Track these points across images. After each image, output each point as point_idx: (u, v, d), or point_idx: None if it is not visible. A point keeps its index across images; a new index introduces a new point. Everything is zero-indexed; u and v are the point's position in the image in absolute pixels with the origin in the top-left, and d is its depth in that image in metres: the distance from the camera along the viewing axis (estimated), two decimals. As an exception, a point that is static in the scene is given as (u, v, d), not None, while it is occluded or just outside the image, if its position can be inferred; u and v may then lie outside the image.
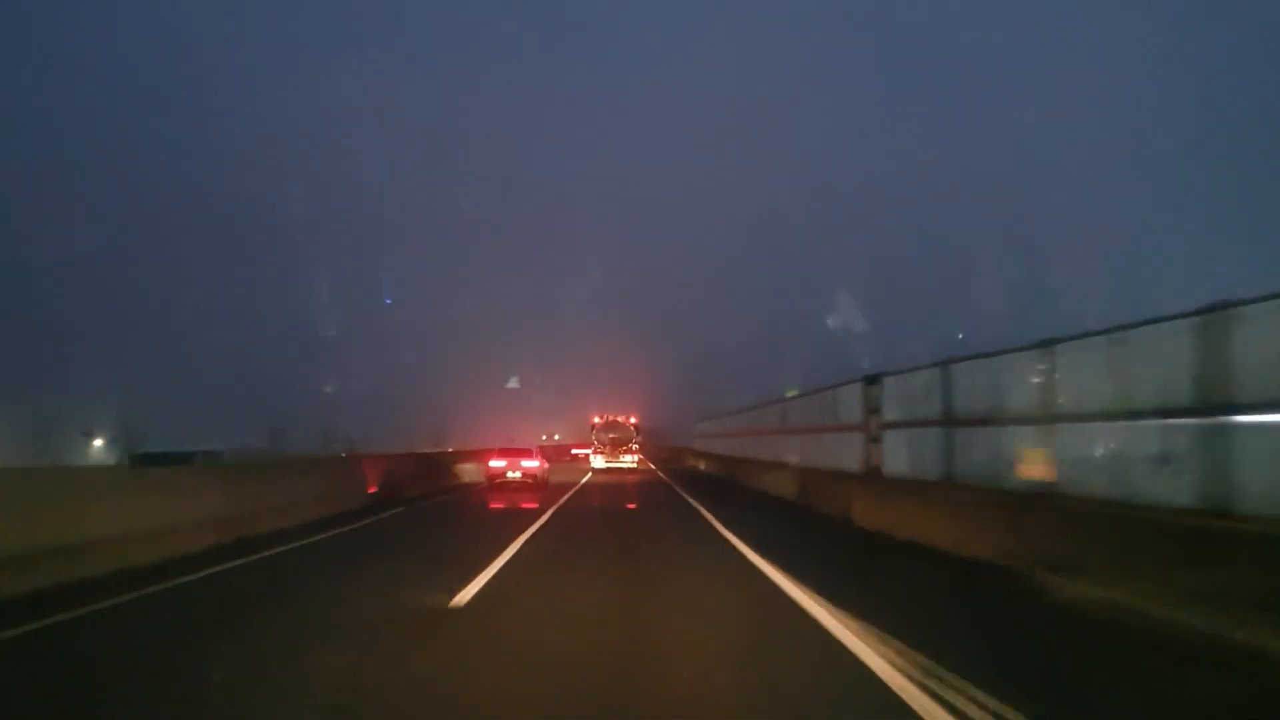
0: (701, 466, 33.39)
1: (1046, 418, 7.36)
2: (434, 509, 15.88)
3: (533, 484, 22.42)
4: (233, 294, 79.39)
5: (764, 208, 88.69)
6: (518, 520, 12.78)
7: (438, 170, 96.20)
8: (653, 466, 36.68)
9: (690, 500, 17.08)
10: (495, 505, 16.80)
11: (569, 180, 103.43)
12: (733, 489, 21.05)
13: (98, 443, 53.98)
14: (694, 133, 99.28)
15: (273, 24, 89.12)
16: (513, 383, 59.86)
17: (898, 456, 11.00)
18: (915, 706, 3.71)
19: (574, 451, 40.12)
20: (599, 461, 33.23)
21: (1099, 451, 6.96)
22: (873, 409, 11.89)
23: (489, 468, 23.12)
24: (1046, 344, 7.41)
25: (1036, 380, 7.58)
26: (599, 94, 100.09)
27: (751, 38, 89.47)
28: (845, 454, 13.18)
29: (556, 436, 59.66)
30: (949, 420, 9.30)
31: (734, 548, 9.45)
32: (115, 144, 73.35)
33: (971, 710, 3.66)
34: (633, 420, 33.96)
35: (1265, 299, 5.18)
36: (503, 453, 23.65)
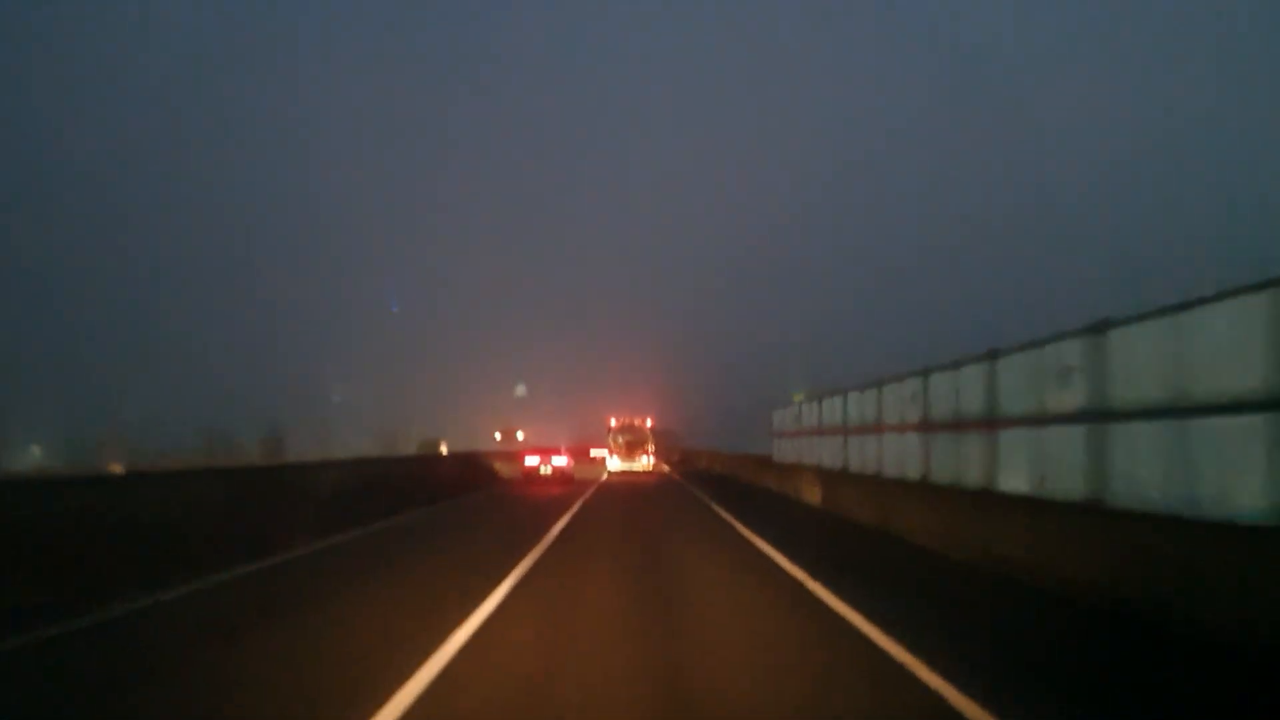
0: (815, 499, 15.98)
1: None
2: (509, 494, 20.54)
3: (560, 478, 25.58)
4: (234, 298, 76.68)
5: (784, 207, 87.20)
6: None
7: (451, 175, 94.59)
8: (666, 469, 36.54)
9: None
10: (552, 491, 21.05)
11: (583, 185, 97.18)
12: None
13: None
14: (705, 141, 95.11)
15: (280, 23, 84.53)
16: (520, 390, 59.53)
17: None
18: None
19: (592, 453, 40.49)
20: (615, 463, 32.86)
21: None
22: None
23: (525, 465, 26.53)
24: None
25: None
26: (612, 96, 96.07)
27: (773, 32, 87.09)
28: None
29: (520, 435, 52.55)
30: None
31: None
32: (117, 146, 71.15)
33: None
34: (648, 423, 33.81)
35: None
36: (536, 451, 27.39)
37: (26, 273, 64.03)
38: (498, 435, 51.39)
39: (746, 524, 12.14)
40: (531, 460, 26.21)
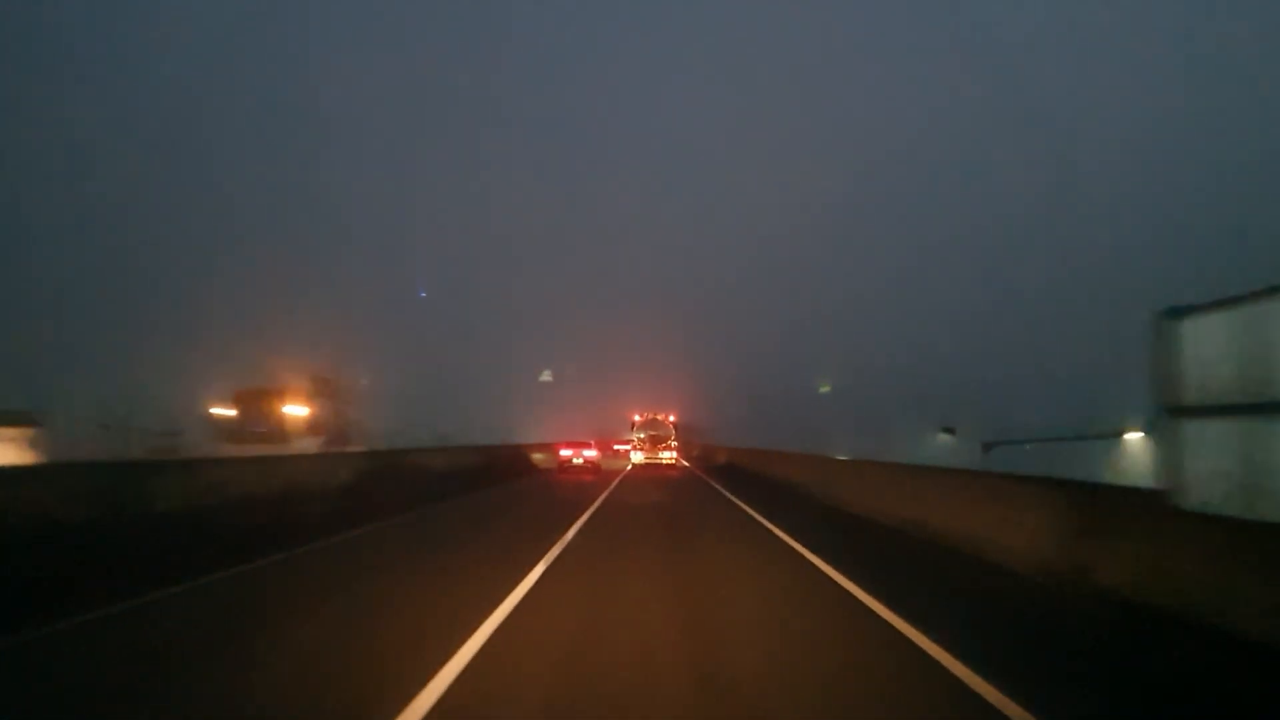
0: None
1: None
2: (558, 479, 24.91)
3: (590, 468, 29.35)
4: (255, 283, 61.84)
5: (810, 206, 73.47)
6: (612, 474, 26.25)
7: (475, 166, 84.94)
8: (686, 464, 36.44)
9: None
10: (589, 478, 25.04)
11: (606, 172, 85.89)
12: None
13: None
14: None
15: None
16: (545, 376, 58.64)
17: None
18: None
19: (616, 447, 40.18)
20: (638, 457, 33.71)
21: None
22: None
23: (560, 456, 30.77)
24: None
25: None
26: (639, 88, 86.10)
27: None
28: None
29: (299, 410, 33.74)
30: None
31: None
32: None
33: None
34: (671, 419, 34.63)
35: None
36: (570, 444, 31.43)
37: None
38: (216, 411, 24.51)
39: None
40: (566, 452, 30.79)
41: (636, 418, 34.65)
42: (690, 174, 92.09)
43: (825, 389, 62.40)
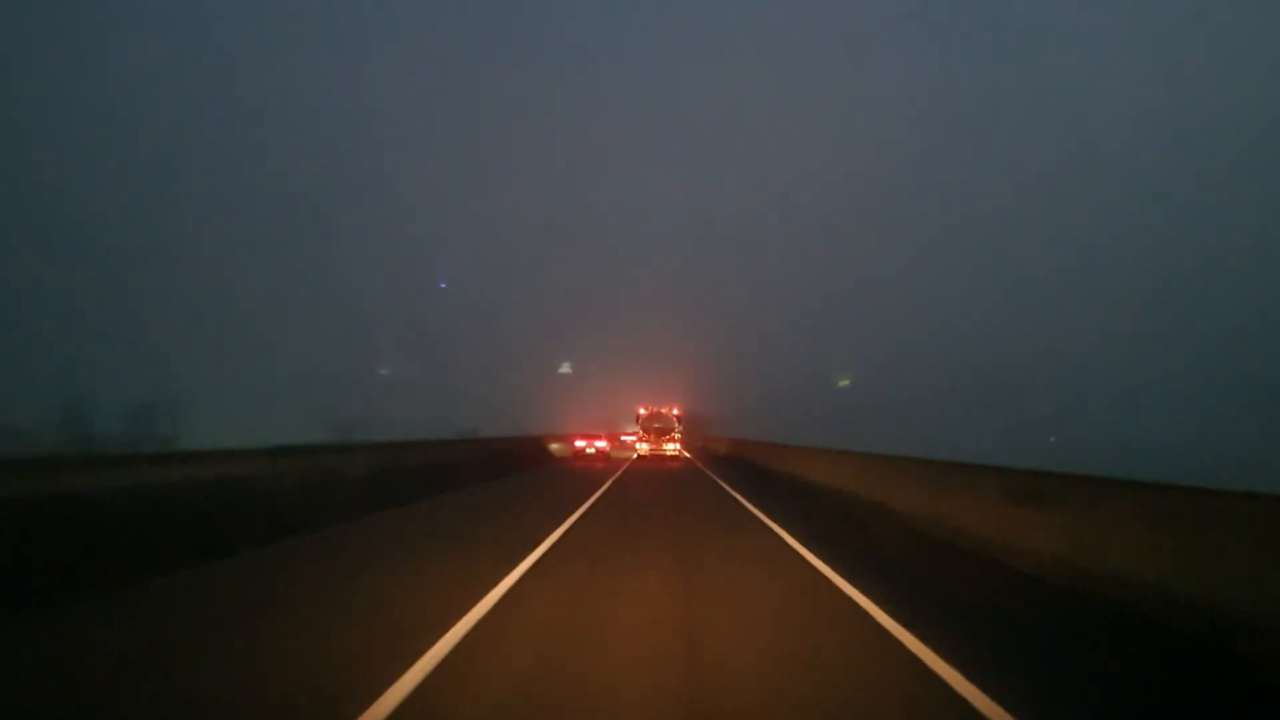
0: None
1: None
2: (574, 468, 28.76)
3: (601, 456, 34.26)
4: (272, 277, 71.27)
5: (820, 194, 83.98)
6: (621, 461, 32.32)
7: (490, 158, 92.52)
8: (688, 455, 37.84)
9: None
10: (600, 465, 29.74)
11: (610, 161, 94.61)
12: None
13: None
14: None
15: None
16: (564, 368, 62.31)
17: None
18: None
19: (623, 438, 42.88)
20: (643, 448, 35.58)
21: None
22: None
23: (575, 446, 35.77)
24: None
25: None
26: (646, 80, 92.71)
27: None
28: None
29: None
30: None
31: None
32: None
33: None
34: (675, 411, 36.42)
35: None
36: (583, 436, 36.64)
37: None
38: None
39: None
40: (580, 443, 35.08)
41: (641, 411, 36.15)
42: (701, 172, 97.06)
43: (844, 383, 64.40)
